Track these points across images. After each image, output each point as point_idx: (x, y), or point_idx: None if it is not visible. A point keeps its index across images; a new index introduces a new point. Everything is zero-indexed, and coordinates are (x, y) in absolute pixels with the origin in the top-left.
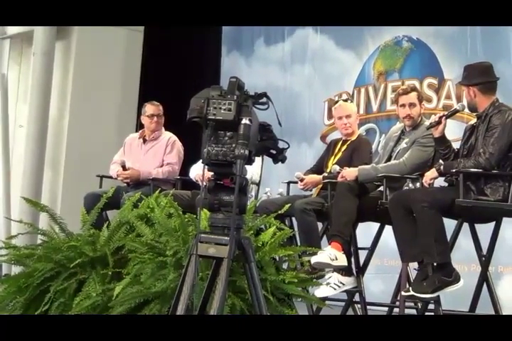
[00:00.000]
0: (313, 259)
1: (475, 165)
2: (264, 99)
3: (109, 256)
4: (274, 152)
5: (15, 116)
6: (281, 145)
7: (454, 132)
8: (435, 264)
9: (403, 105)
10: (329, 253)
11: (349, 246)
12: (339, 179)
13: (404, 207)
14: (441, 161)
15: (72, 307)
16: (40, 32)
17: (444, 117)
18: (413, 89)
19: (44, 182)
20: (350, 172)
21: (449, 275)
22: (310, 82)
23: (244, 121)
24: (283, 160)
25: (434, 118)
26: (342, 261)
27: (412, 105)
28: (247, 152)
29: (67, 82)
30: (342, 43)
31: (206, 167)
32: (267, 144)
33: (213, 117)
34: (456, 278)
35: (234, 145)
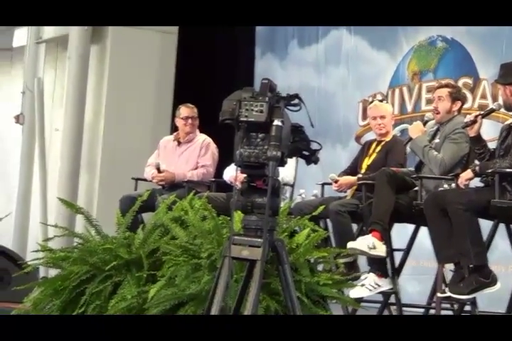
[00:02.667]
0: (350, 245)
1: (511, 165)
2: (296, 101)
3: (144, 258)
4: (306, 153)
5: (51, 119)
6: (313, 146)
7: (489, 132)
8: (471, 266)
9: (433, 98)
10: (368, 241)
11: (389, 235)
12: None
13: (440, 208)
14: (476, 162)
15: (108, 309)
16: (74, 36)
17: (479, 116)
18: (447, 85)
19: (80, 185)
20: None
21: (486, 277)
22: (344, 83)
23: (276, 122)
24: (316, 161)
25: (469, 117)
26: (381, 250)
27: (440, 99)
28: (279, 154)
29: (102, 86)
30: (376, 44)
31: (239, 169)
32: (300, 145)
33: (245, 119)
34: (494, 280)
35: (266, 146)
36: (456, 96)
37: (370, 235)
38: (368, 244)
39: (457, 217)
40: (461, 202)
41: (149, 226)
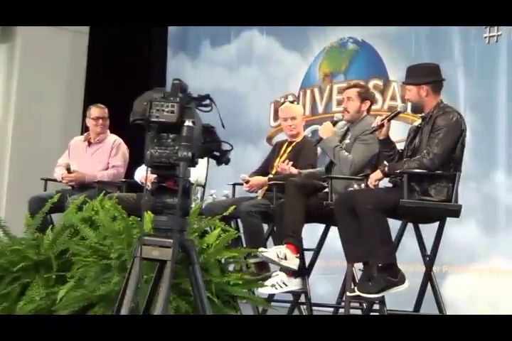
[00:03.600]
0: (261, 251)
1: (419, 165)
2: (208, 101)
3: (53, 259)
4: (217, 154)
5: None
6: (224, 147)
7: (399, 133)
8: (380, 265)
9: (344, 99)
10: (279, 251)
11: (302, 246)
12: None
13: (349, 208)
14: (385, 162)
15: (16, 311)
16: None
17: (386, 120)
18: (355, 85)
19: None
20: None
21: (394, 276)
22: (256, 84)
23: (187, 123)
24: (226, 162)
25: (376, 122)
26: (292, 263)
27: (349, 99)
28: (190, 154)
29: (11, 85)
30: (288, 45)
31: (149, 169)
32: (211, 146)
33: (156, 119)
34: (402, 279)
35: (177, 147)
36: (365, 95)
37: (285, 246)
38: (279, 253)
39: (366, 216)
40: (369, 201)
41: (59, 226)
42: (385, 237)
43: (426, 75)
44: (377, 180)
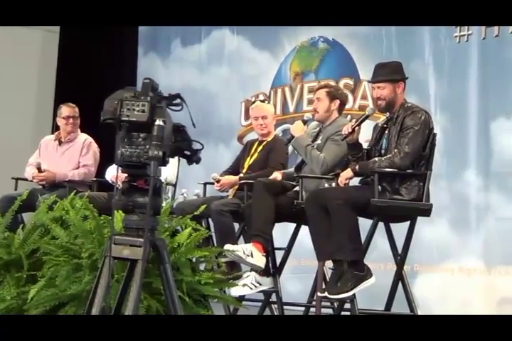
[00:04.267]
0: (226, 246)
1: (390, 164)
2: (178, 100)
3: (23, 258)
4: (188, 153)
5: None
6: (195, 146)
7: (363, 133)
8: (348, 261)
9: (313, 100)
10: (245, 248)
11: (270, 246)
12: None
13: (320, 206)
14: (353, 162)
15: None
16: None
17: (356, 126)
18: (325, 85)
19: None
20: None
21: (361, 270)
22: (227, 83)
23: (158, 122)
24: (197, 161)
25: (345, 130)
26: (258, 261)
27: (319, 100)
28: (160, 153)
29: None
30: (258, 44)
31: (120, 168)
32: (181, 145)
33: (127, 118)
34: (369, 273)
35: (147, 146)
36: (334, 95)
37: (251, 244)
38: (245, 250)
39: (337, 211)
40: (341, 197)
41: (29, 226)
42: (353, 234)
43: (398, 72)
44: (348, 178)
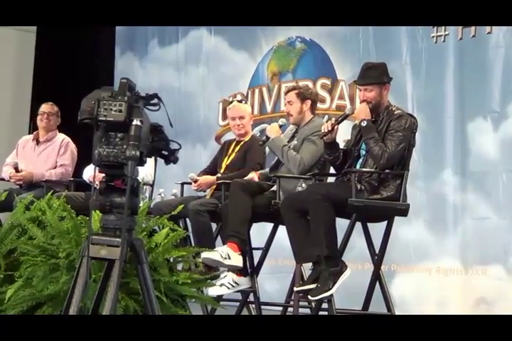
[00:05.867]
0: (203, 255)
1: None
2: (156, 100)
3: (0, 258)
4: (165, 153)
5: None
6: (173, 146)
7: (342, 133)
8: (324, 256)
9: (286, 104)
10: (222, 251)
11: (246, 246)
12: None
13: (297, 209)
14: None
15: None
16: None
17: (335, 124)
18: (294, 87)
19: None
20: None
21: (336, 265)
22: (204, 83)
23: (135, 122)
24: (175, 161)
25: (325, 128)
26: (236, 261)
27: (290, 103)
28: (138, 153)
29: None
30: (236, 44)
31: (97, 168)
32: (159, 145)
33: (104, 118)
34: (344, 266)
35: (125, 146)
36: (304, 95)
37: (226, 246)
38: (222, 253)
39: (315, 206)
40: (320, 192)
41: (6, 226)
42: (330, 230)
43: (386, 74)
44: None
